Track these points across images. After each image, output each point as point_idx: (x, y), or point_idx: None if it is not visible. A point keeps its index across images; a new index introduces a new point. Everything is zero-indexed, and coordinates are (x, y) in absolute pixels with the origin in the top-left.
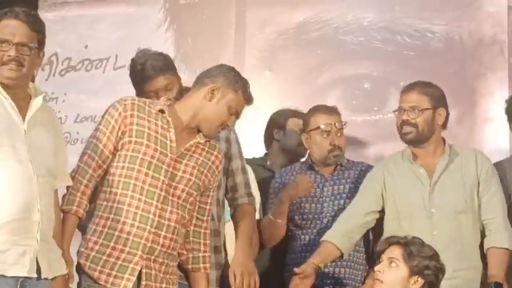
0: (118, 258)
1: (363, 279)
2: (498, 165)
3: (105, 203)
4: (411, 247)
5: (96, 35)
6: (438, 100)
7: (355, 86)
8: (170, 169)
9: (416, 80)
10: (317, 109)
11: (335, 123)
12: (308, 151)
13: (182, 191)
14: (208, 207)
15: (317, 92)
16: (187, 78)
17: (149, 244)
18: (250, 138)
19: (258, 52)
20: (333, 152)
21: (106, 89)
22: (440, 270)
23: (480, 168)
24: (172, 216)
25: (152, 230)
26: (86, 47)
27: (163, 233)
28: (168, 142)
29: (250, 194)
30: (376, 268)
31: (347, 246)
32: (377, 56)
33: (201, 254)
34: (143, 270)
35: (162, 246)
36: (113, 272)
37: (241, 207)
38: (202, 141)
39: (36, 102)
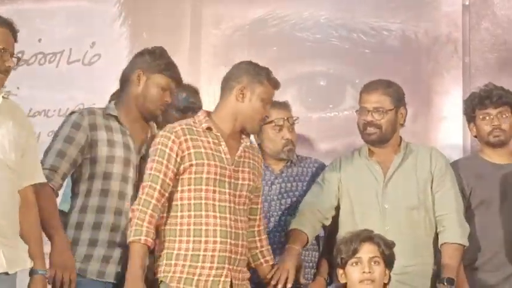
0: (208, 275)
1: (312, 277)
2: (453, 165)
3: (179, 227)
4: (383, 242)
5: (50, 29)
6: (399, 100)
7: (311, 83)
8: (232, 180)
9: (375, 79)
10: None
11: (287, 118)
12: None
13: (246, 197)
14: (259, 206)
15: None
16: None
17: (233, 256)
18: None
19: (213, 48)
20: (286, 146)
21: (59, 83)
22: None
23: (434, 165)
24: (242, 225)
25: (233, 241)
26: (39, 40)
27: (240, 242)
28: (223, 155)
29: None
30: (365, 270)
31: (311, 238)
32: (333, 54)
33: (258, 251)
34: (233, 282)
35: (240, 254)
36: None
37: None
38: (248, 144)
39: None
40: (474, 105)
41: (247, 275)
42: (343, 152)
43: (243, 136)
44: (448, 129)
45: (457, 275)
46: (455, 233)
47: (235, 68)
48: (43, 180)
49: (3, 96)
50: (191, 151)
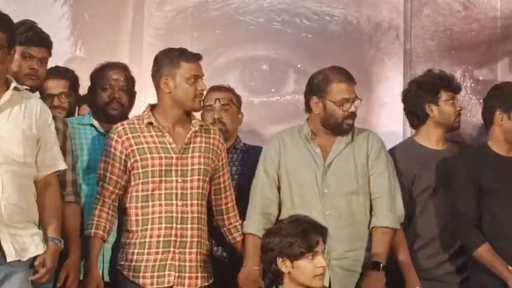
0: (155, 260)
1: None
2: (395, 151)
3: (130, 218)
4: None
5: None
6: None
7: (253, 67)
8: (180, 167)
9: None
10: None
11: (218, 99)
12: None
13: (200, 181)
14: (222, 185)
15: (216, 73)
16: (83, 55)
17: (179, 239)
18: None
19: (155, 31)
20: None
21: None
22: None
23: (370, 148)
24: (193, 208)
25: (179, 226)
26: None
27: (189, 226)
28: (168, 146)
29: (77, 193)
30: (322, 265)
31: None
32: (276, 38)
33: (225, 229)
34: (180, 263)
35: (191, 237)
36: (155, 273)
37: (68, 206)
38: (197, 128)
39: (5, 95)
40: (441, 86)
41: (205, 255)
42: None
43: (193, 121)
44: (389, 115)
45: (402, 258)
46: (384, 217)
47: (154, 63)
48: (64, 167)
49: (14, 88)
50: (134, 148)
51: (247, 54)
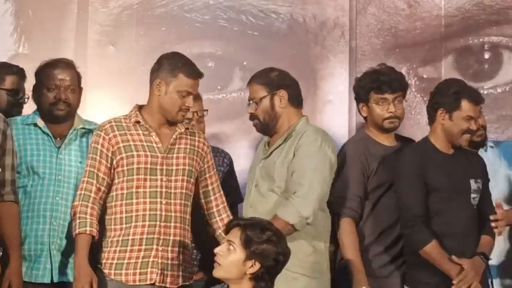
0: (137, 257)
1: None
2: (349, 146)
3: (113, 216)
4: (250, 231)
5: None
6: (275, 84)
7: (199, 64)
8: (164, 167)
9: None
10: None
11: (196, 111)
12: None
13: (184, 181)
14: (210, 187)
15: None
16: (26, 51)
17: (162, 237)
18: (94, 114)
19: (100, 27)
20: None
21: None
22: (280, 255)
23: (298, 144)
24: (177, 207)
25: (162, 224)
26: None
27: (172, 224)
28: (154, 145)
29: (15, 192)
30: (216, 250)
31: None
32: (222, 35)
33: (221, 231)
34: (163, 261)
35: (173, 235)
36: (138, 271)
37: (7, 205)
38: (182, 130)
39: None
40: (371, 88)
41: (190, 257)
42: (231, 135)
43: (178, 124)
44: (334, 112)
45: (350, 257)
46: (283, 210)
47: (156, 62)
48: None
49: None
50: (120, 145)
51: (193, 52)
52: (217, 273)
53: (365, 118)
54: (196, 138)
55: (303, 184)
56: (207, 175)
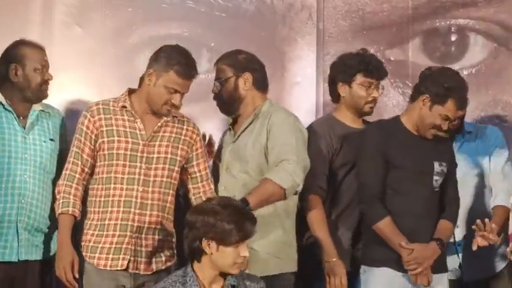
0: (111, 243)
1: None
2: (315, 127)
3: (93, 198)
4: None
5: None
6: (241, 66)
7: None
8: (145, 154)
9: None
10: None
11: None
12: None
13: (165, 169)
14: (198, 174)
15: (129, 51)
16: None
17: (136, 224)
18: (61, 97)
19: (67, 8)
20: None
21: None
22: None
23: (270, 124)
24: (155, 195)
25: (137, 211)
26: None
27: (148, 212)
28: (138, 131)
29: None
30: (246, 254)
31: None
32: (189, 17)
33: None
34: (136, 248)
35: (148, 223)
36: (110, 256)
37: None
38: (169, 118)
39: None
40: (359, 69)
41: (171, 244)
42: (198, 116)
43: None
44: (302, 94)
45: (318, 234)
46: (278, 174)
47: (156, 50)
48: None
49: None
50: (103, 129)
51: (159, 33)
52: None
53: (337, 99)
54: (185, 127)
55: (292, 153)
56: (195, 162)
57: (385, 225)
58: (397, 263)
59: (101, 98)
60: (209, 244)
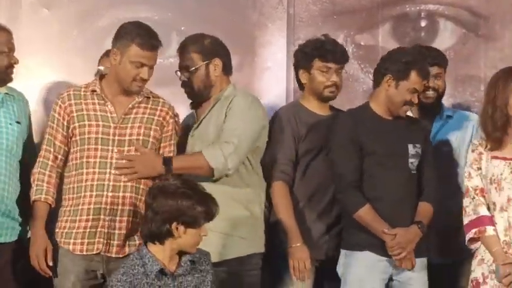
0: (85, 227)
1: None
2: (280, 114)
3: (67, 186)
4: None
5: None
6: (210, 53)
7: None
8: (117, 137)
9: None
10: None
11: None
12: None
13: (136, 151)
14: (171, 154)
15: (97, 34)
16: None
17: (109, 207)
18: (27, 79)
19: None
20: None
21: None
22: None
23: (230, 106)
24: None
25: (110, 194)
26: None
27: (121, 194)
28: (108, 114)
29: None
30: (207, 233)
31: None
32: (158, 0)
33: None
34: (110, 231)
35: (122, 205)
36: (85, 240)
37: None
38: (140, 99)
39: None
40: (315, 55)
41: (137, 225)
42: (167, 100)
43: (142, 92)
44: (272, 79)
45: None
46: (212, 152)
47: (116, 31)
48: None
49: None
50: (74, 114)
51: (128, 16)
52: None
53: (302, 86)
54: (159, 107)
55: (234, 136)
56: (162, 144)
57: (365, 213)
58: (379, 248)
59: (68, 81)
60: (177, 228)
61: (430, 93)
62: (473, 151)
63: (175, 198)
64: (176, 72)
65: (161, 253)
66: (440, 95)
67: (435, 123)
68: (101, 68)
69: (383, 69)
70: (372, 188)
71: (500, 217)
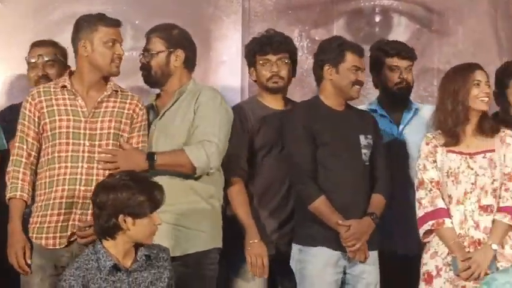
0: (57, 221)
1: None
2: (236, 109)
3: (39, 181)
4: None
5: None
6: (176, 42)
7: None
8: (88, 131)
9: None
10: None
11: (41, 55)
12: None
13: (107, 145)
14: (139, 145)
15: (50, 28)
16: None
17: (81, 201)
18: None
19: None
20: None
21: None
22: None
23: (198, 102)
24: (100, 171)
25: (83, 188)
26: None
27: (93, 188)
28: (79, 109)
29: None
30: (160, 222)
31: None
32: None
33: None
34: (78, 224)
35: None
36: (57, 234)
37: None
38: (109, 92)
39: None
40: (255, 51)
41: None
42: None
43: (108, 86)
44: (227, 73)
45: (239, 212)
46: (195, 151)
47: (73, 27)
48: None
49: None
50: (44, 110)
51: (82, 10)
52: None
53: (255, 82)
54: (128, 100)
55: (214, 135)
56: (130, 135)
57: (320, 205)
58: (333, 242)
59: (23, 74)
60: (125, 220)
61: (403, 85)
62: (427, 144)
63: (116, 191)
64: (139, 55)
65: (114, 248)
66: (410, 88)
67: (405, 115)
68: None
69: (319, 62)
70: (327, 179)
71: (456, 210)
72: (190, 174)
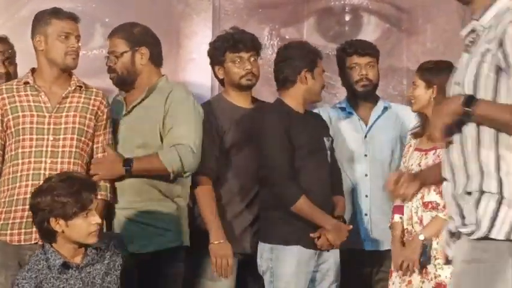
0: (22, 217)
1: None
2: (205, 107)
3: (3, 178)
4: None
5: None
6: (138, 40)
7: None
8: (52, 126)
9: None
10: None
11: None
12: None
13: (71, 139)
14: (95, 146)
15: (19, 24)
16: None
17: None
18: None
19: None
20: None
21: None
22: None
23: (170, 101)
24: (64, 166)
25: None
26: None
27: None
28: (42, 104)
29: None
30: (98, 221)
31: None
32: None
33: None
34: None
35: None
36: (22, 230)
37: None
38: (73, 88)
39: None
40: (226, 48)
41: None
42: None
43: (71, 82)
44: (197, 71)
45: (205, 214)
46: (168, 156)
47: (32, 23)
48: None
49: None
50: (7, 107)
51: (51, 7)
52: None
53: (222, 81)
54: (92, 97)
55: (188, 138)
56: (96, 133)
57: (303, 204)
58: (307, 241)
59: None
60: (58, 222)
61: (365, 82)
62: (407, 143)
63: (42, 194)
64: (105, 57)
65: (61, 249)
66: (374, 85)
67: (373, 113)
68: None
69: (296, 68)
70: (301, 181)
71: (406, 206)
72: (167, 176)
